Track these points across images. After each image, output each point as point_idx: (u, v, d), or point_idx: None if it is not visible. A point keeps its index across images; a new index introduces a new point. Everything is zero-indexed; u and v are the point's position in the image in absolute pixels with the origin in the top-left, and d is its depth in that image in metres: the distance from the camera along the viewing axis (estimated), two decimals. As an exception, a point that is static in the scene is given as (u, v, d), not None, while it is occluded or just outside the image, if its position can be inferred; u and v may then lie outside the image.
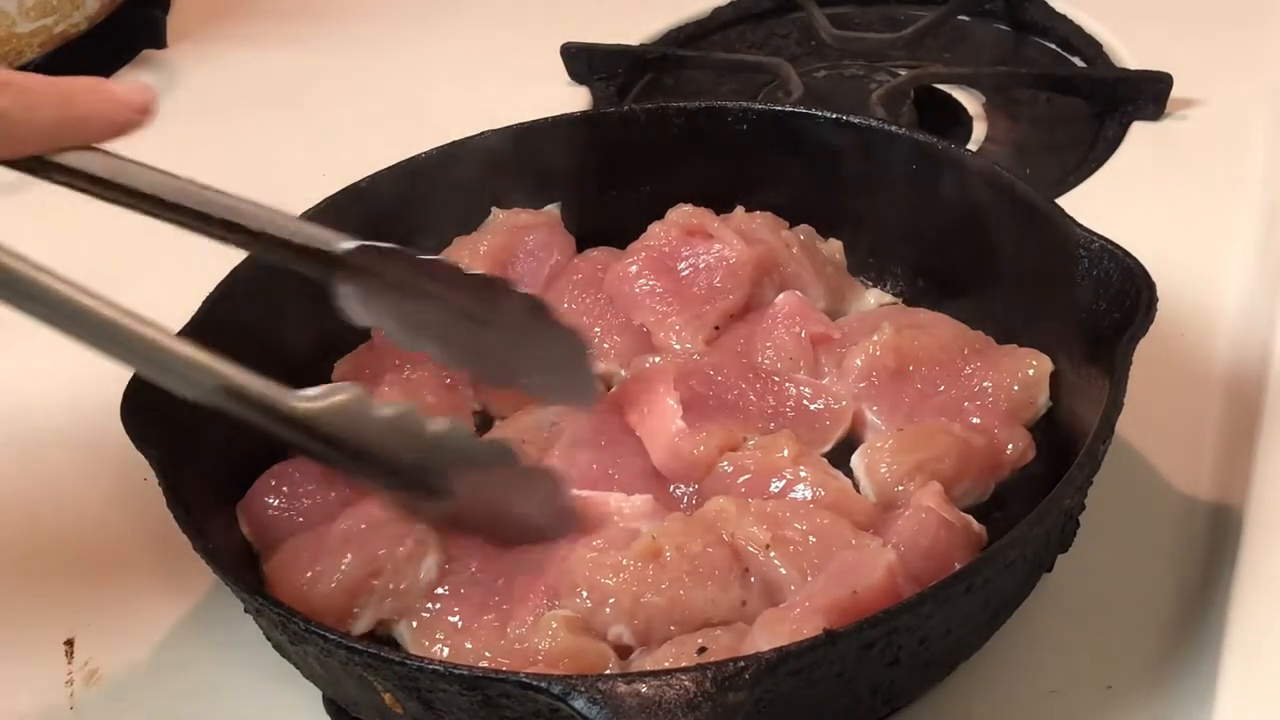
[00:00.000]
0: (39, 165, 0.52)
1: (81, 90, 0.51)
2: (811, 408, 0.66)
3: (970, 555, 0.57)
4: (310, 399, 0.55)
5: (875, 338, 0.67)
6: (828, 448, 0.65)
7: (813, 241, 0.74)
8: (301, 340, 0.69)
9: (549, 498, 0.60)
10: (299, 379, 0.69)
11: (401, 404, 0.57)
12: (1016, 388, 0.64)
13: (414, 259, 0.60)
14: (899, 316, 0.71)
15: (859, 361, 0.66)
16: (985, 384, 0.64)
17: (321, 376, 0.71)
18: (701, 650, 0.53)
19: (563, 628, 0.55)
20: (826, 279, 0.73)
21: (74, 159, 0.52)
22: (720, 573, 0.56)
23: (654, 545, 0.56)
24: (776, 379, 0.67)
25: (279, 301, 0.66)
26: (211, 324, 0.64)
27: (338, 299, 0.59)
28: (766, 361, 0.68)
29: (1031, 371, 0.64)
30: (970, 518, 0.59)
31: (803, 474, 0.60)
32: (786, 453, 0.61)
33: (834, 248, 0.75)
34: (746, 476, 0.61)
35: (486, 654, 0.56)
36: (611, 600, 0.55)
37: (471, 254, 0.73)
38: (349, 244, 0.58)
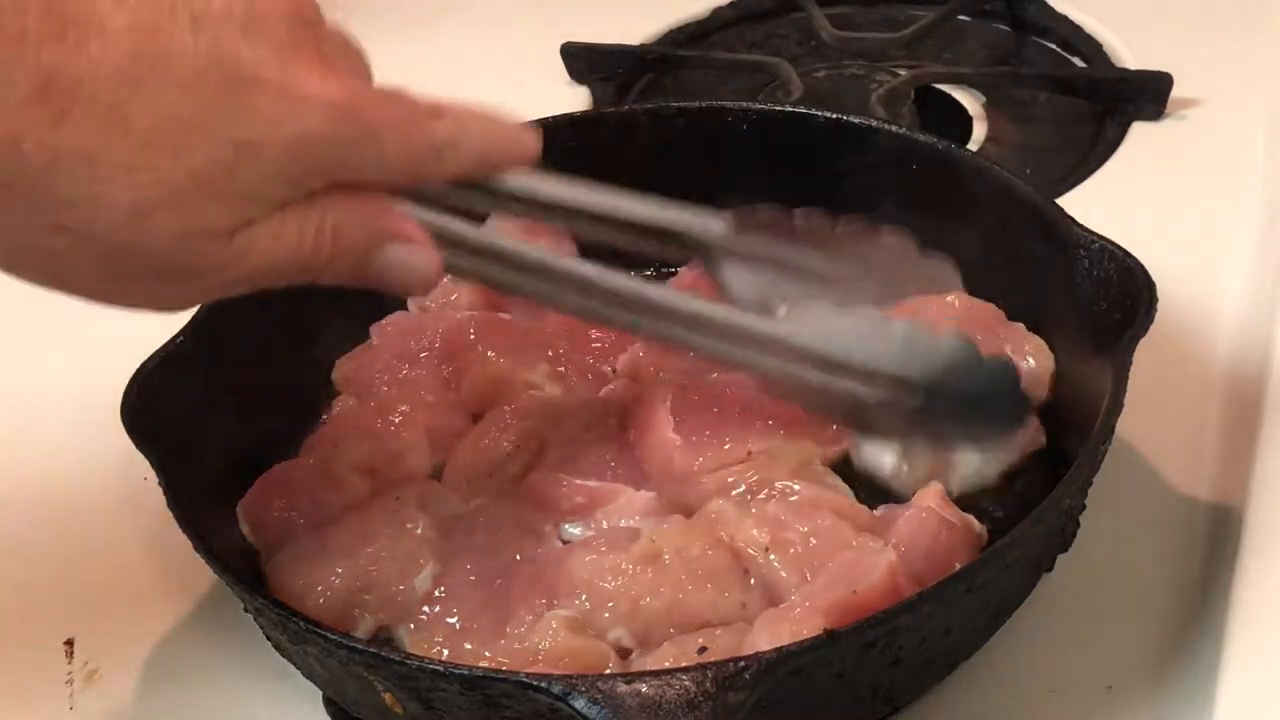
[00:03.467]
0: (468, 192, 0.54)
1: (496, 119, 0.54)
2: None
3: (971, 555, 0.56)
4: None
5: None
6: (839, 447, 0.64)
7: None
8: (302, 342, 0.69)
9: (1011, 393, 0.60)
10: (298, 378, 0.70)
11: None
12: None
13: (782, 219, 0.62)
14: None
15: None
16: None
17: (321, 376, 0.71)
18: (702, 650, 0.53)
19: (562, 628, 0.55)
20: None
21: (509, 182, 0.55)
22: (720, 575, 0.56)
23: (653, 548, 0.56)
24: None
25: (279, 302, 0.66)
26: (211, 325, 0.64)
27: (722, 279, 0.61)
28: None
29: (1032, 362, 0.64)
30: (971, 518, 0.59)
31: (796, 487, 0.60)
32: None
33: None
34: (742, 489, 0.61)
35: (486, 654, 0.56)
36: (611, 604, 0.55)
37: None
38: (720, 226, 0.60)
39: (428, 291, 0.57)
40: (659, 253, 0.61)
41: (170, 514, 0.56)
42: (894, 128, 0.74)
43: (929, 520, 0.57)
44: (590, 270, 0.57)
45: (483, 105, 0.54)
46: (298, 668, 0.57)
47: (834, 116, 0.74)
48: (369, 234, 0.50)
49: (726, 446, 0.62)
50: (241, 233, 0.46)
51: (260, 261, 0.47)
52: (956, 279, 0.66)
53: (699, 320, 0.58)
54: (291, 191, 0.47)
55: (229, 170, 0.45)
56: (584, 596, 0.56)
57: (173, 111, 0.43)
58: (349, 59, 0.50)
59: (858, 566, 0.54)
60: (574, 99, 1.01)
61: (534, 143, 0.55)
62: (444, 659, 0.55)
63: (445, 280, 0.72)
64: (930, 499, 0.58)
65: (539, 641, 0.54)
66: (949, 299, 0.67)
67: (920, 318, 0.63)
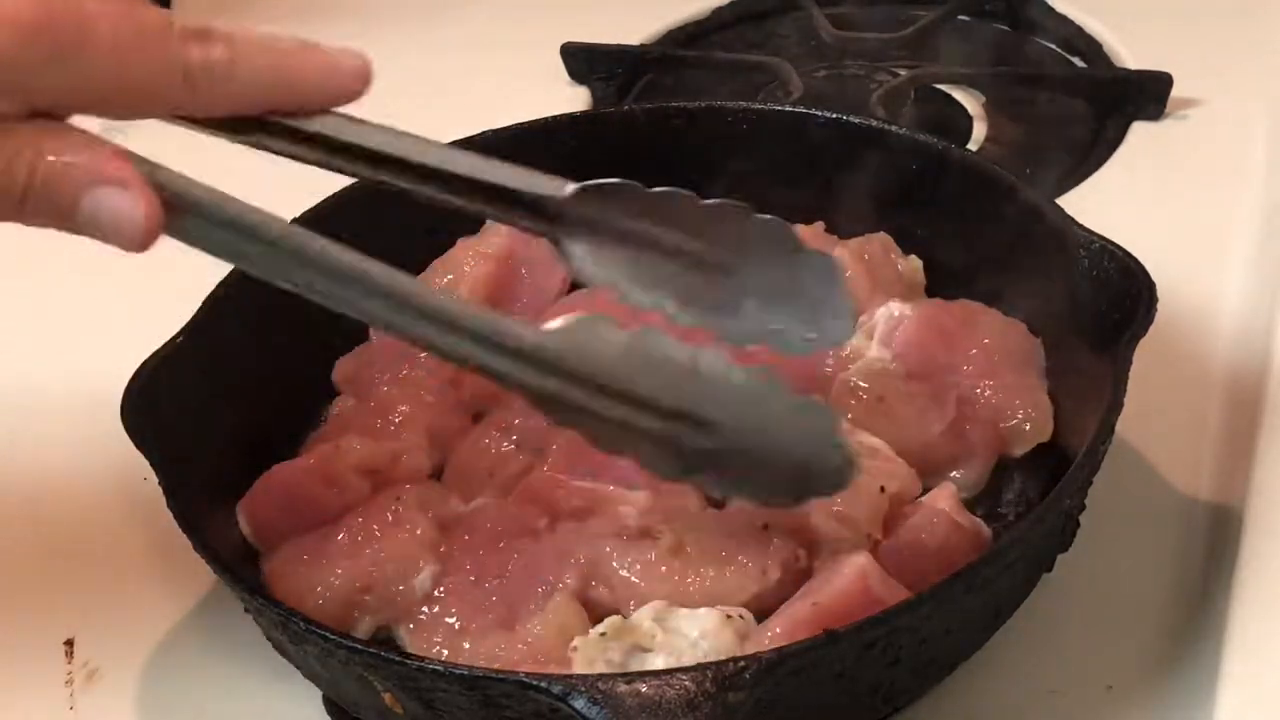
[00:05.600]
0: (253, 129, 0.49)
1: (296, 50, 0.48)
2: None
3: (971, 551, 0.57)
4: (540, 330, 0.51)
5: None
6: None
7: (886, 255, 0.72)
8: (301, 340, 0.69)
9: (820, 439, 0.53)
10: (298, 378, 0.70)
11: (639, 329, 0.51)
12: (1006, 425, 0.63)
13: (644, 194, 0.53)
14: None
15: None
16: (984, 391, 0.64)
17: (321, 376, 0.71)
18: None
19: (564, 623, 0.55)
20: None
21: (296, 121, 0.49)
22: (745, 549, 0.56)
23: (677, 540, 0.57)
24: None
25: (279, 301, 0.66)
26: (211, 325, 0.64)
27: (566, 258, 0.53)
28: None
29: (1029, 427, 0.63)
30: (981, 522, 0.59)
31: None
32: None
33: (913, 266, 0.73)
34: None
35: (484, 653, 0.56)
36: (641, 598, 0.55)
37: (476, 256, 0.73)
38: (570, 188, 0.52)
39: (143, 248, 0.47)
40: (497, 216, 0.54)
41: (170, 514, 0.56)
42: (894, 128, 0.74)
43: (940, 523, 0.57)
44: (329, 249, 0.49)
45: (295, 37, 0.48)
46: (298, 668, 0.57)
47: (834, 116, 0.74)
48: (73, 172, 0.44)
49: None
50: None
51: None
52: (838, 274, 0.57)
53: (446, 317, 0.50)
54: None
55: None
56: (611, 590, 0.56)
57: None
58: None
59: (825, 576, 0.54)
60: (574, 99, 1.01)
61: (356, 79, 0.49)
62: (444, 659, 0.55)
63: (446, 280, 0.73)
64: (943, 501, 0.58)
65: (540, 638, 0.54)
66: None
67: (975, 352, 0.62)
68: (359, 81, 0.49)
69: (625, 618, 0.54)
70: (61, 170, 0.44)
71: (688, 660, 0.52)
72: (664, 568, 0.56)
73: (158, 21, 0.45)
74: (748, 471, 0.54)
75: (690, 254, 0.54)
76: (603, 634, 0.52)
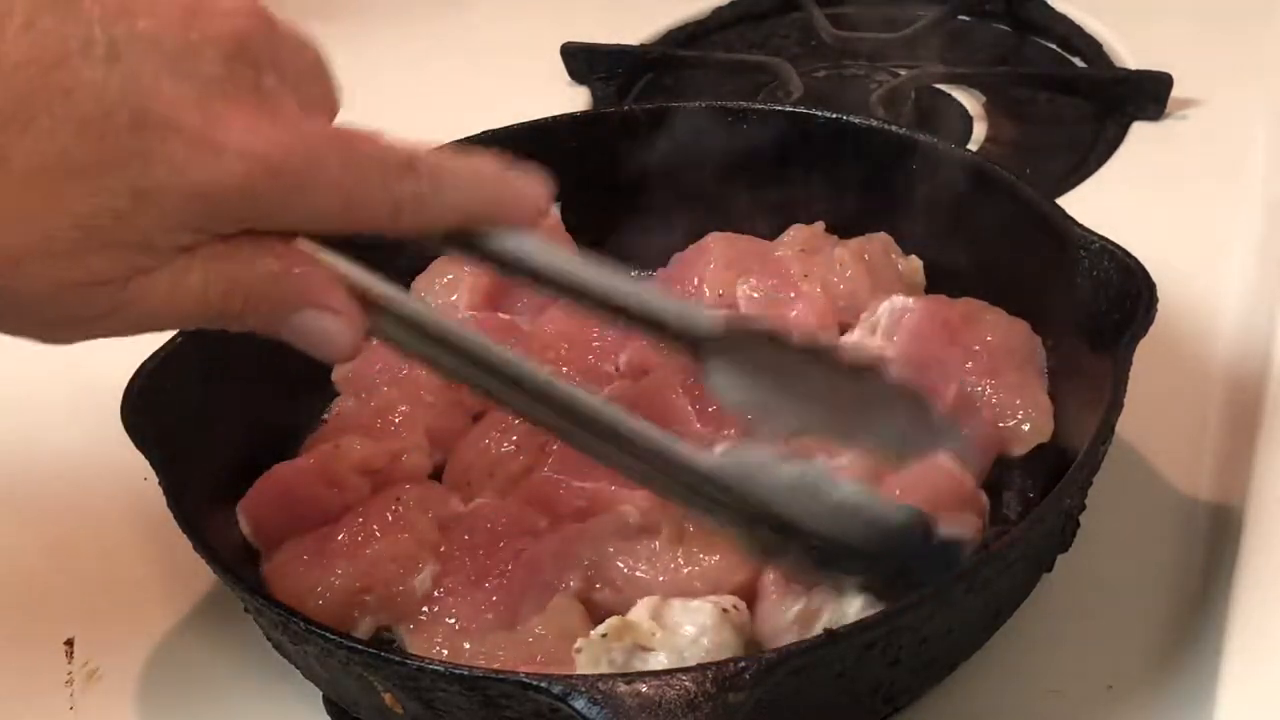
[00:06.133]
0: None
1: (491, 176, 0.50)
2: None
3: (962, 509, 0.57)
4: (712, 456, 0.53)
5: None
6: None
7: (886, 255, 0.72)
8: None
9: (947, 569, 0.53)
10: (298, 378, 0.70)
11: (806, 463, 0.53)
12: (1006, 424, 0.63)
13: (789, 341, 0.56)
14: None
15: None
16: (985, 390, 0.64)
17: (321, 376, 0.71)
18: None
19: (565, 624, 0.55)
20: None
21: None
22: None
23: (677, 530, 0.57)
24: None
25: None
26: (209, 337, 0.64)
27: (707, 378, 0.55)
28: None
29: (1028, 427, 0.63)
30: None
31: None
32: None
33: (913, 266, 0.73)
34: None
35: (484, 654, 0.56)
36: (645, 591, 0.55)
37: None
38: (718, 322, 0.54)
39: (347, 360, 0.52)
40: (648, 337, 0.56)
41: (170, 514, 0.56)
42: (894, 128, 0.74)
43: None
44: (522, 367, 0.52)
45: (481, 159, 0.50)
46: (298, 668, 0.57)
47: (834, 116, 0.74)
48: (283, 296, 0.46)
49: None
50: (136, 280, 0.42)
51: (158, 309, 0.44)
52: (969, 452, 0.60)
53: (626, 436, 0.52)
54: (195, 238, 0.43)
55: (121, 218, 0.41)
56: (616, 587, 0.56)
57: (61, 153, 0.40)
58: (305, 92, 0.46)
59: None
60: (574, 99, 1.01)
61: (537, 203, 0.51)
62: (444, 659, 0.55)
63: (447, 280, 0.73)
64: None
65: (541, 638, 0.55)
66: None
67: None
68: (540, 214, 0.51)
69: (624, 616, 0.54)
70: (272, 293, 0.46)
71: (689, 658, 0.52)
72: (667, 558, 0.57)
73: (377, 154, 0.46)
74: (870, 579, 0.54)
75: (824, 403, 0.56)
76: (604, 635, 0.52)
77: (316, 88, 0.47)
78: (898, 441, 0.57)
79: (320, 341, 0.47)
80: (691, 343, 0.54)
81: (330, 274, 0.47)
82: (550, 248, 0.53)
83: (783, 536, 0.53)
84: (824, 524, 0.52)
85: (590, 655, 0.52)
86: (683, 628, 0.53)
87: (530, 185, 0.51)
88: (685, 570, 0.56)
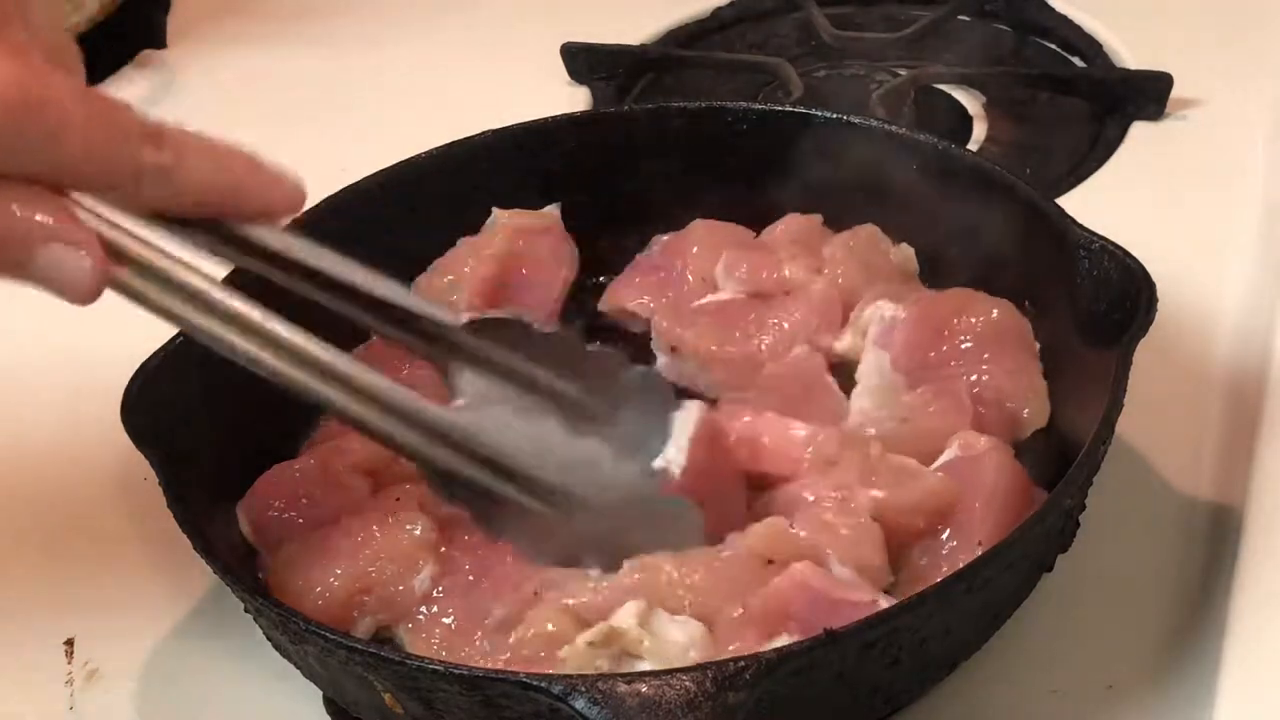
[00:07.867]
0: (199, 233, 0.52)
1: (240, 162, 0.51)
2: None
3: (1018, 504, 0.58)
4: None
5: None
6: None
7: (876, 245, 0.72)
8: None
9: (682, 535, 0.56)
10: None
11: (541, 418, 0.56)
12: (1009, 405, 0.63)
13: (530, 332, 0.58)
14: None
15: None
16: (985, 377, 0.64)
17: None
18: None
19: (561, 623, 0.55)
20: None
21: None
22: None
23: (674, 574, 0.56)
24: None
25: (280, 303, 0.66)
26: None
27: (451, 384, 0.58)
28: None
29: (1027, 412, 0.63)
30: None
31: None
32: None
33: (905, 255, 0.72)
34: None
35: (484, 653, 0.56)
36: (669, 600, 0.55)
37: (478, 258, 0.73)
38: (462, 319, 0.57)
39: (86, 302, 0.49)
40: (397, 336, 0.57)
41: (170, 514, 0.56)
42: (894, 128, 0.74)
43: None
44: (260, 315, 0.52)
45: (239, 146, 0.51)
46: (298, 668, 0.57)
47: (834, 116, 0.74)
48: (28, 228, 0.46)
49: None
50: None
51: None
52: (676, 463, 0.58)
53: (368, 392, 0.54)
54: None
55: None
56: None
57: None
58: (56, 54, 0.47)
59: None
60: (574, 99, 1.01)
61: (290, 197, 0.52)
62: (443, 659, 0.55)
63: (447, 280, 0.73)
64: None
65: (540, 637, 0.54)
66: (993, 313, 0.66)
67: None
68: (289, 208, 0.52)
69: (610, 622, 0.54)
70: (17, 226, 0.46)
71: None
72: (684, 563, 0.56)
73: (122, 117, 0.47)
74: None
75: (565, 396, 0.58)
76: (590, 643, 0.52)
77: (66, 53, 0.48)
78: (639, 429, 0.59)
79: (59, 278, 0.47)
80: (442, 341, 0.57)
81: (71, 212, 0.47)
82: (309, 245, 0.54)
83: (500, 481, 0.55)
84: (552, 474, 0.55)
85: (575, 665, 0.52)
86: (670, 635, 0.53)
87: (281, 179, 0.52)
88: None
